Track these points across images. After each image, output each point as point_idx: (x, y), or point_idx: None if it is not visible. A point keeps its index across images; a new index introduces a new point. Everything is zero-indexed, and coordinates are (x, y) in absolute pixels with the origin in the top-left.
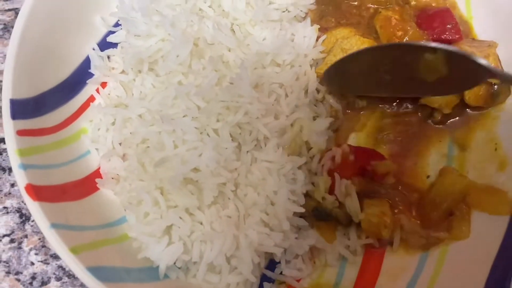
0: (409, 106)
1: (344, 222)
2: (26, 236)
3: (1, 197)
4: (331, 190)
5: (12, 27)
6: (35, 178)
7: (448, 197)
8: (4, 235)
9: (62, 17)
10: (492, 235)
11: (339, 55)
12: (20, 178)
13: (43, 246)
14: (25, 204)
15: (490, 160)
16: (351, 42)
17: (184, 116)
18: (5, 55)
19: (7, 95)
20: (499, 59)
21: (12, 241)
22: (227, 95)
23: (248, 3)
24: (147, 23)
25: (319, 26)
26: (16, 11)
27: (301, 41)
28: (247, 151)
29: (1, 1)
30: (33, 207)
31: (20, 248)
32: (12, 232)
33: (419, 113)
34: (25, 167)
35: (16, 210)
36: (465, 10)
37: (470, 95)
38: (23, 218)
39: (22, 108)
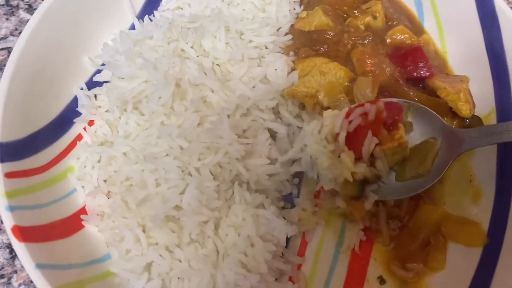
0: None
1: (374, 180)
2: (15, 272)
3: None
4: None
5: (5, 65)
6: (22, 219)
7: (424, 227)
8: None
9: (52, 57)
10: (465, 266)
11: (317, 76)
12: (7, 219)
13: (32, 281)
14: None
15: (465, 192)
16: (330, 66)
17: (166, 155)
18: None
19: None
20: (470, 94)
21: (1, 276)
22: (208, 137)
23: (228, 43)
24: (131, 66)
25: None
26: (9, 50)
27: (274, 75)
28: (226, 190)
29: None
30: (19, 248)
31: (9, 283)
32: (2, 267)
33: None
34: (12, 208)
35: (6, 245)
36: (440, 45)
37: None
38: (13, 254)
39: (12, 151)
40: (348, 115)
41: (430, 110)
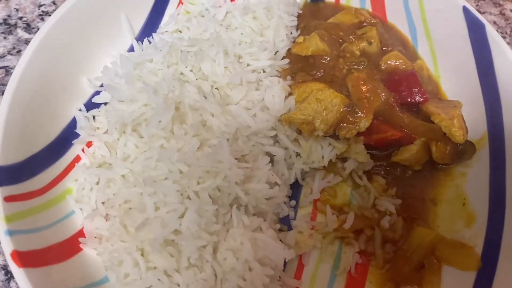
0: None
1: None
2: None
3: None
4: None
5: (2, 84)
6: (21, 244)
7: (418, 250)
8: None
9: (52, 79)
10: None
11: (313, 104)
12: (6, 244)
13: None
14: None
15: (459, 215)
16: (325, 94)
17: (165, 179)
18: None
19: None
20: (463, 119)
21: None
22: (207, 161)
23: (227, 68)
24: (130, 89)
25: (292, 82)
26: (7, 69)
27: (271, 101)
28: (224, 213)
29: None
30: (18, 274)
31: None
32: None
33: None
34: (11, 233)
35: (1, 267)
36: (434, 70)
37: (438, 154)
38: (8, 276)
39: (11, 174)
40: None
41: None
